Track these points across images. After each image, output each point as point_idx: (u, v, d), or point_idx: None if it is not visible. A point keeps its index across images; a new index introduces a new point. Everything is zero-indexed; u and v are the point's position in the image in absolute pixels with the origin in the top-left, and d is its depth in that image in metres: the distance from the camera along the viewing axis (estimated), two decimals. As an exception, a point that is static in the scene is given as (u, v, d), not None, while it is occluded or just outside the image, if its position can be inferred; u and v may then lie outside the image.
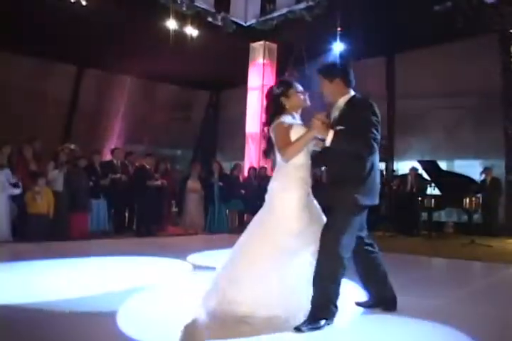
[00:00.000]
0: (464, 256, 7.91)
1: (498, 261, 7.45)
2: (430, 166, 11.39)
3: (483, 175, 11.63)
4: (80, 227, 9.67)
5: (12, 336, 3.35)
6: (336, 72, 3.96)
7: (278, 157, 3.98)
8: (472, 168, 12.35)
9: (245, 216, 12.73)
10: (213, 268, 6.25)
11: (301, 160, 3.94)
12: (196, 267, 6.37)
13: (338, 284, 3.67)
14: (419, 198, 11.30)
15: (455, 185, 10.52)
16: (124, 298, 4.39)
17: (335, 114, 3.96)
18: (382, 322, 3.85)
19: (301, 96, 4.10)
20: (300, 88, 4.12)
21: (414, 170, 12.12)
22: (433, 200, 11.09)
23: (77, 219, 9.64)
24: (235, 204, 12.03)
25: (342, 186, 3.77)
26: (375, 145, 3.64)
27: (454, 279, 6.20)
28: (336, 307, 3.67)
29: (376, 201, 3.84)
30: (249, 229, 4.04)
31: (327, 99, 4.06)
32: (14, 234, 8.80)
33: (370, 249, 4.09)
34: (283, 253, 3.76)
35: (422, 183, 11.79)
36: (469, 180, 10.61)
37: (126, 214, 11.25)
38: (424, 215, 11.74)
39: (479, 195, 10.51)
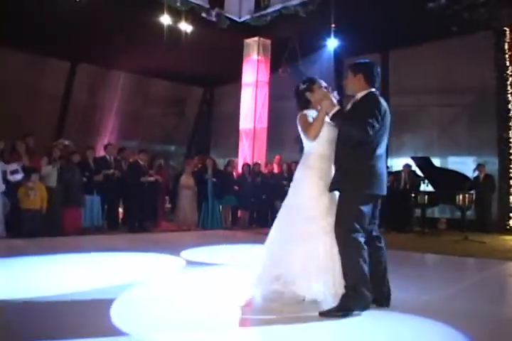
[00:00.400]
0: (457, 253, 7.93)
1: (491, 257, 7.48)
2: (424, 163, 11.40)
3: (477, 172, 11.64)
4: (73, 223, 9.64)
5: (5, 330, 3.34)
6: (360, 67, 4.20)
7: (305, 144, 4.37)
8: (465, 165, 12.38)
9: (239, 212, 12.74)
10: (207, 264, 6.30)
11: (321, 151, 4.27)
12: (190, 263, 6.37)
13: (362, 270, 3.86)
14: (413, 195, 11.32)
15: (448, 182, 10.54)
16: (117, 293, 4.39)
17: (348, 106, 4.20)
18: (376, 317, 3.86)
19: (325, 91, 4.35)
20: (324, 83, 4.43)
21: (407, 166, 12.13)
22: (426, 197, 11.12)
23: (70, 215, 9.61)
24: (229, 201, 12.03)
25: (345, 175, 3.99)
26: (371, 132, 3.80)
27: (447, 275, 6.21)
28: (364, 293, 3.85)
29: (383, 191, 4.00)
30: (279, 214, 4.45)
31: (347, 91, 4.28)
32: (7, 230, 8.77)
33: (377, 243, 4.15)
34: (303, 238, 4.10)
35: (416, 180, 11.82)
36: (463, 176, 10.62)
37: (120, 210, 11.25)
38: (418, 212, 11.78)
39: (472, 192, 10.55)
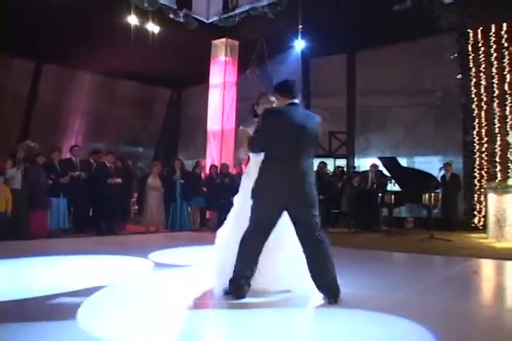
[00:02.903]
0: (423, 251, 8.04)
1: (457, 255, 7.60)
2: (390, 163, 11.52)
3: (443, 171, 11.79)
4: (39, 226, 9.49)
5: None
6: (274, 88, 4.68)
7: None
8: (431, 164, 12.56)
9: (207, 213, 12.70)
10: (175, 266, 6.27)
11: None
12: (158, 265, 6.33)
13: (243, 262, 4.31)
14: (380, 194, 11.41)
15: (415, 181, 10.67)
16: (84, 296, 4.32)
17: None
18: (342, 315, 3.89)
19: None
20: (272, 98, 4.88)
21: (374, 166, 12.24)
22: (393, 196, 11.21)
23: (36, 218, 9.46)
24: (198, 202, 11.98)
25: None
26: (252, 147, 4.63)
27: (413, 273, 6.29)
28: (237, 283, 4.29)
29: (268, 201, 4.31)
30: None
31: None
32: (-29, 233, 8.59)
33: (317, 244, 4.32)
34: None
35: (383, 179, 11.92)
36: (429, 176, 10.77)
37: (88, 212, 11.10)
38: (385, 211, 11.89)
39: (438, 191, 10.70)
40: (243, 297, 4.25)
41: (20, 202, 9.11)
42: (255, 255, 4.29)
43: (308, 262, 4.25)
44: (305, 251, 4.26)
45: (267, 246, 4.35)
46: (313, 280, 4.24)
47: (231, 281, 4.31)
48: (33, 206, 9.37)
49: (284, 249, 4.56)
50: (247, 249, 4.30)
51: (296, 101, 4.50)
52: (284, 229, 4.41)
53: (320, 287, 4.23)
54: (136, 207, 13.23)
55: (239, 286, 4.28)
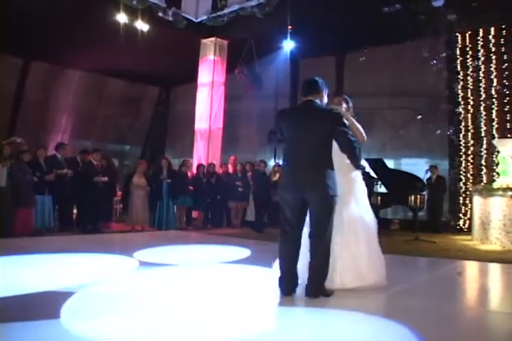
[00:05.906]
0: (408, 252, 8.06)
1: (441, 257, 7.64)
2: (377, 164, 11.54)
3: (429, 173, 11.86)
4: (24, 224, 9.40)
5: None
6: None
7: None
8: (418, 166, 12.62)
9: (194, 212, 12.67)
10: (160, 265, 6.24)
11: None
12: (142, 264, 6.30)
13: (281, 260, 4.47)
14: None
15: (401, 183, 10.70)
16: (68, 295, 4.30)
17: None
18: (325, 316, 3.90)
19: None
20: None
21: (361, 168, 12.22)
22: (379, 198, 11.24)
23: (21, 215, 9.36)
24: (184, 201, 11.94)
25: None
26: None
27: (398, 274, 6.26)
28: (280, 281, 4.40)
29: (289, 191, 4.44)
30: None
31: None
32: (-45, 231, 8.51)
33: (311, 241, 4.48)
34: None
35: (369, 181, 11.91)
36: (415, 178, 10.82)
37: (74, 211, 11.04)
38: (371, 213, 11.87)
39: (424, 193, 10.73)
40: (289, 293, 4.36)
41: (4, 199, 9.01)
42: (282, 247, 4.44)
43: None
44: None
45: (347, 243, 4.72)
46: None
47: (279, 278, 4.43)
48: (18, 204, 9.28)
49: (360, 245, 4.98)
50: (282, 246, 4.47)
51: (310, 98, 4.59)
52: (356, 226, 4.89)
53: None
54: (121, 206, 13.17)
55: (283, 283, 4.39)
